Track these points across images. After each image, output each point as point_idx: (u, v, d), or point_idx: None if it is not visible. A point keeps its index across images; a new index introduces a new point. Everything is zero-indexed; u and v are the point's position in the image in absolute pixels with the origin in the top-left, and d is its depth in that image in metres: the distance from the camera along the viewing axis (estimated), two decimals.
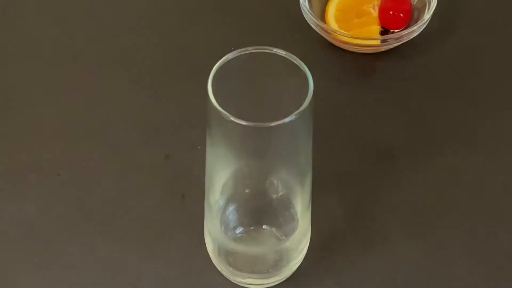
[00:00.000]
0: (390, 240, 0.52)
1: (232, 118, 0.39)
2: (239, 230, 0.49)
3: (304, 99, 0.40)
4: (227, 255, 0.48)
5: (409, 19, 0.62)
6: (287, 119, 0.39)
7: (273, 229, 0.49)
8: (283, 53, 0.41)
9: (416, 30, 0.60)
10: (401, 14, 0.62)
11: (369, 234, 0.52)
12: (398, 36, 0.60)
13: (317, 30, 0.61)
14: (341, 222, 0.53)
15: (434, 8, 0.60)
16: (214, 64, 0.41)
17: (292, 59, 0.41)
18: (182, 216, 0.53)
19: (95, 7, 0.66)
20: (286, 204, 0.48)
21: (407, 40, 0.60)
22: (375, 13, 0.63)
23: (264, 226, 0.49)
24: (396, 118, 0.58)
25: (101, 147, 0.56)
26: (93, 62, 0.62)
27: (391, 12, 0.62)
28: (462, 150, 0.56)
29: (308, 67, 0.41)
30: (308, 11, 0.60)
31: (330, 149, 0.56)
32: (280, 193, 0.47)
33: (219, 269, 0.50)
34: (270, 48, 0.40)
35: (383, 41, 0.60)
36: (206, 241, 0.50)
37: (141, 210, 0.53)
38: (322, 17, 0.63)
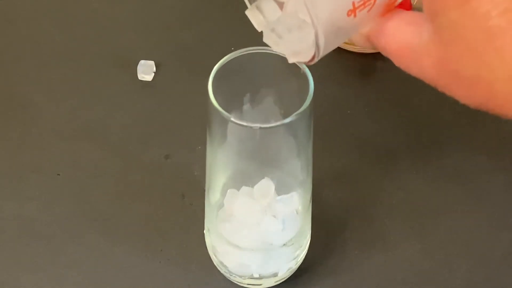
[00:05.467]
0: (390, 240, 0.52)
1: (232, 119, 0.39)
2: None
3: (304, 100, 0.40)
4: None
5: None
6: (287, 120, 0.39)
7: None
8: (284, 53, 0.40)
9: None
10: None
11: (369, 234, 0.52)
12: None
13: None
14: (341, 222, 0.53)
15: None
16: (215, 64, 0.41)
17: None
18: (182, 216, 0.53)
19: (95, 7, 0.66)
20: (286, 204, 0.48)
21: None
22: None
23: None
24: (396, 118, 0.58)
25: (101, 147, 0.56)
26: (92, 62, 0.62)
27: None
28: (462, 150, 0.56)
29: (308, 67, 0.41)
30: None
31: (330, 149, 0.56)
32: (280, 194, 0.47)
33: (219, 268, 0.50)
34: (270, 48, 0.39)
35: None
36: (206, 241, 0.50)
37: (141, 210, 0.53)
38: None
